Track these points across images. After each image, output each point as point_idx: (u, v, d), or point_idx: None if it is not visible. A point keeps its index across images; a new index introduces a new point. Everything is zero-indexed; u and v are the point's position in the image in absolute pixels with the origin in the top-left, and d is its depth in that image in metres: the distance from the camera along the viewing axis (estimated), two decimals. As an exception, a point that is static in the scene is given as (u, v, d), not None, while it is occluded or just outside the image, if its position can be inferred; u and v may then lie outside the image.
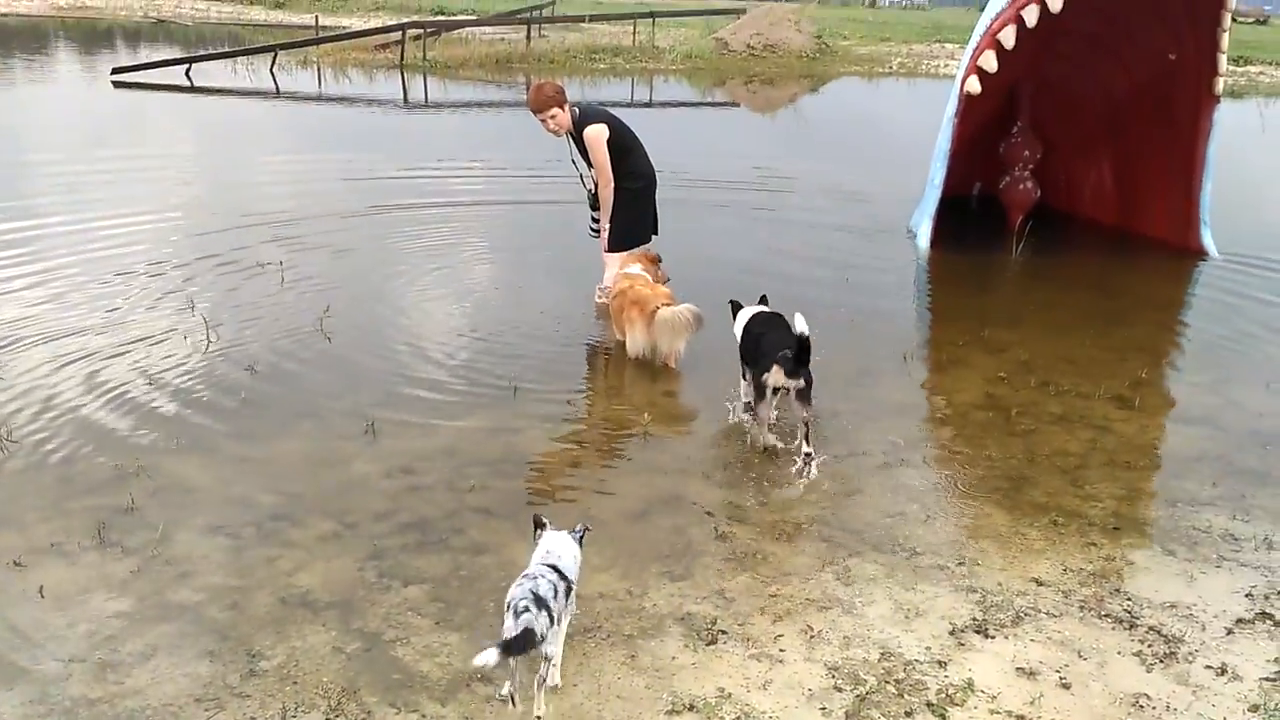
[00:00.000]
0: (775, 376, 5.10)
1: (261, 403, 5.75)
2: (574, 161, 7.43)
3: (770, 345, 5.25)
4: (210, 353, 6.40)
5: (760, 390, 5.23)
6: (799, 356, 5.02)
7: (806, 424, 5.13)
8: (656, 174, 7.46)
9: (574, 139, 7.24)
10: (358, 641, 3.69)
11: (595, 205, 7.49)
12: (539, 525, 3.71)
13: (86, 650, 3.61)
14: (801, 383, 5.08)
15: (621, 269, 6.91)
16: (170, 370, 6.11)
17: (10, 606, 3.85)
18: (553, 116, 7.09)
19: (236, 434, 5.35)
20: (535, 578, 3.35)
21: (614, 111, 7.37)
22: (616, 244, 7.37)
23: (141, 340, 6.57)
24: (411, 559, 4.23)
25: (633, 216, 7.37)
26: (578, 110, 7.18)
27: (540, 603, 3.24)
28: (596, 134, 7.09)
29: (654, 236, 7.58)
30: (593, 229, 7.65)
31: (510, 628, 3.19)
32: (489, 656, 3.05)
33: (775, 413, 5.41)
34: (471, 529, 4.48)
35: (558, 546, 3.59)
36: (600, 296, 7.46)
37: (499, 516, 4.59)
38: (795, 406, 5.17)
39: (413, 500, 4.72)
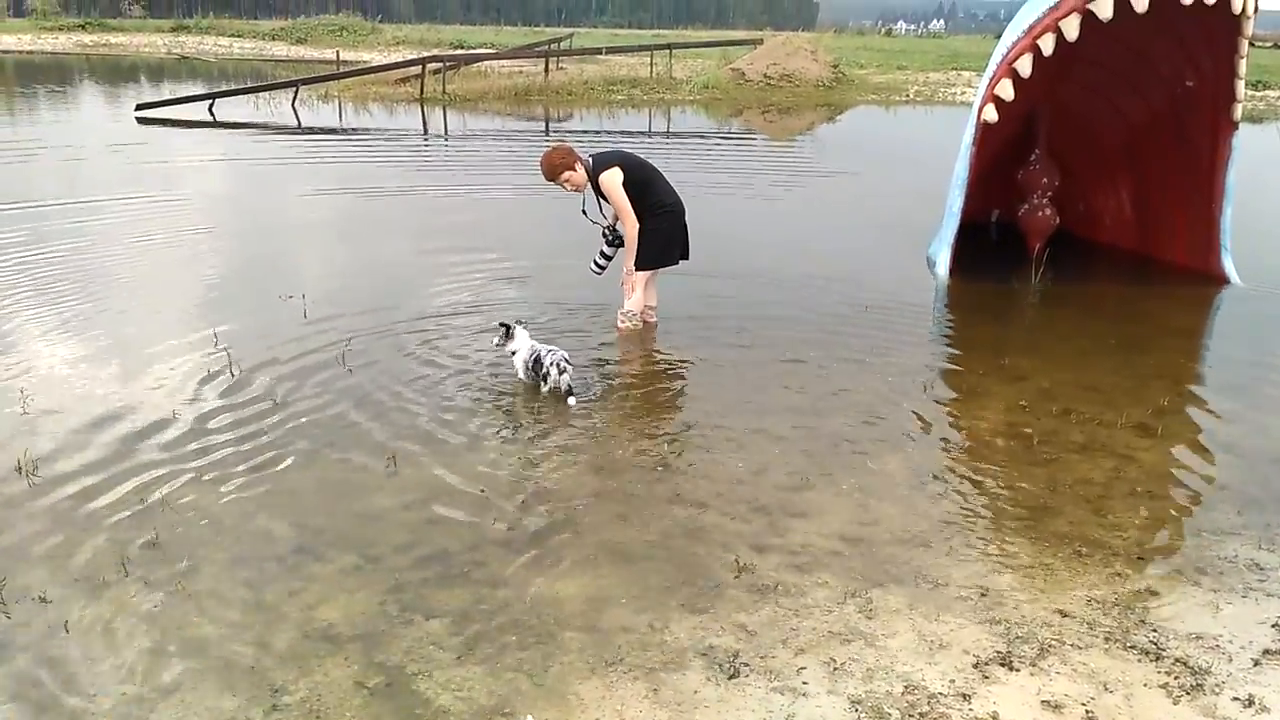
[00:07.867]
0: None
1: (284, 435, 5.78)
2: (584, 212, 7.49)
3: None
4: (232, 385, 6.45)
5: None
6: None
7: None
8: (684, 201, 7.51)
9: (594, 190, 7.32)
10: (380, 676, 3.69)
11: (610, 241, 7.51)
12: (516, 323, 6.50)
13: (111, 685, 3.62)
14: None
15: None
16: (192, 402, 6.16)
17: (35, 641, 3.87)
18: (567, 180, 7.22)
19: (259, 467, 5.38)
20: (554, 351, 6.29)
21: (632, 145, 7.42)
22: (645, 262, 7.43)
23: (163, 372, 6.64)
24: (433, 592, 4.24)
25: (662, 240, 7.42)
26: (590, 160, 7.27)
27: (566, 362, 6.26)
28: (610, 178, 7.17)
29: (684, 261, 7.63)
30: (597, 265, 7.64)
31: (555, 378, 6.21)
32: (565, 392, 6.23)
33: None
34: (493, 561, 4.48)
35: (527, 340, 6.43)
36: (623, 321, 7.47)
37: (520, 549, 4.59)
38: None
39: (434, 533, 4.73)
